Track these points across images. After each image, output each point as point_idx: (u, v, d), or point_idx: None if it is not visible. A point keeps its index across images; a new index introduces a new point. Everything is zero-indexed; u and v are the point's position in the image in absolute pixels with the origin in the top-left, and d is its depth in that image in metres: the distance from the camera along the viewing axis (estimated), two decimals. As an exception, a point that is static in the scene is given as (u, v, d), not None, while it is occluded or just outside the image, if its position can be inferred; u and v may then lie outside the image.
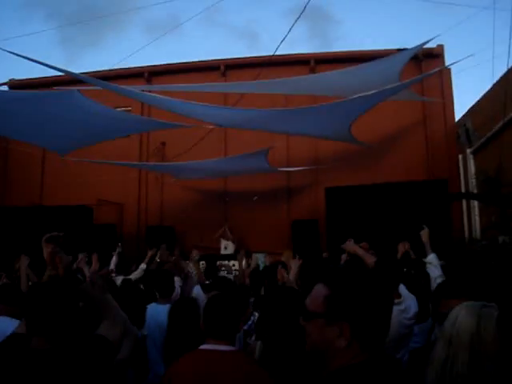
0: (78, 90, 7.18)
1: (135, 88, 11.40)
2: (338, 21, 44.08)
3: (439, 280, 3.65)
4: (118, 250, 7.96)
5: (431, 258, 3.89)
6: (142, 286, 5.54)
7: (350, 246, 4.08)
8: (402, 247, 4.76)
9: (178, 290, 5.42)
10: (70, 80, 9.75)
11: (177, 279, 5.77)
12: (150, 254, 7.34)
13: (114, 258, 7.63)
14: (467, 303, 1.84)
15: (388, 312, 1.32)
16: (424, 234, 4.21)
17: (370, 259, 3.65)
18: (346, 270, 1.40)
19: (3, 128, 8.90)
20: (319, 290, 1.33)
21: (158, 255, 8.07)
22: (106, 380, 1.88)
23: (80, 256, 5.92)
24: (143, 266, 6.96)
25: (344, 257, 6.18)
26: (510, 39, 6.56)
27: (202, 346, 2.47)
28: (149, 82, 13.31)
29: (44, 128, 8.42)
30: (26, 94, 7.62)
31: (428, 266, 3.88)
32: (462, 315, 1.77)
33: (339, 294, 1.29)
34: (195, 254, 6.74)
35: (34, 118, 7.89)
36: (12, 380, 1.72)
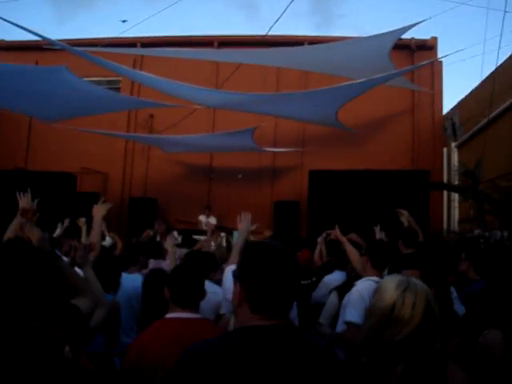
0: (66, 67, 7.07)
1: (126, 50, 11.30)
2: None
3: None
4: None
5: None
6: None
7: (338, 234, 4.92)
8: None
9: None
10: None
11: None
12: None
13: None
14: (396, 277, 1.92)
15: (282, 285, 1.56)
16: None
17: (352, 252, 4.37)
18: (255, 246, 1.70)
19: None
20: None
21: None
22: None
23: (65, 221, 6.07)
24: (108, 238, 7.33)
25: (320, 239, 6.33)
26: (500, 37, 6.63)
27: (170, 315, 2.52)
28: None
29: (30, 100, 8.32)
30: (12, 68, 7.52)
31: None
32: (387, 287, 1.84)
33: (240, 261, 1.66)
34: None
35: (21, 91, 7.78)
36: None
